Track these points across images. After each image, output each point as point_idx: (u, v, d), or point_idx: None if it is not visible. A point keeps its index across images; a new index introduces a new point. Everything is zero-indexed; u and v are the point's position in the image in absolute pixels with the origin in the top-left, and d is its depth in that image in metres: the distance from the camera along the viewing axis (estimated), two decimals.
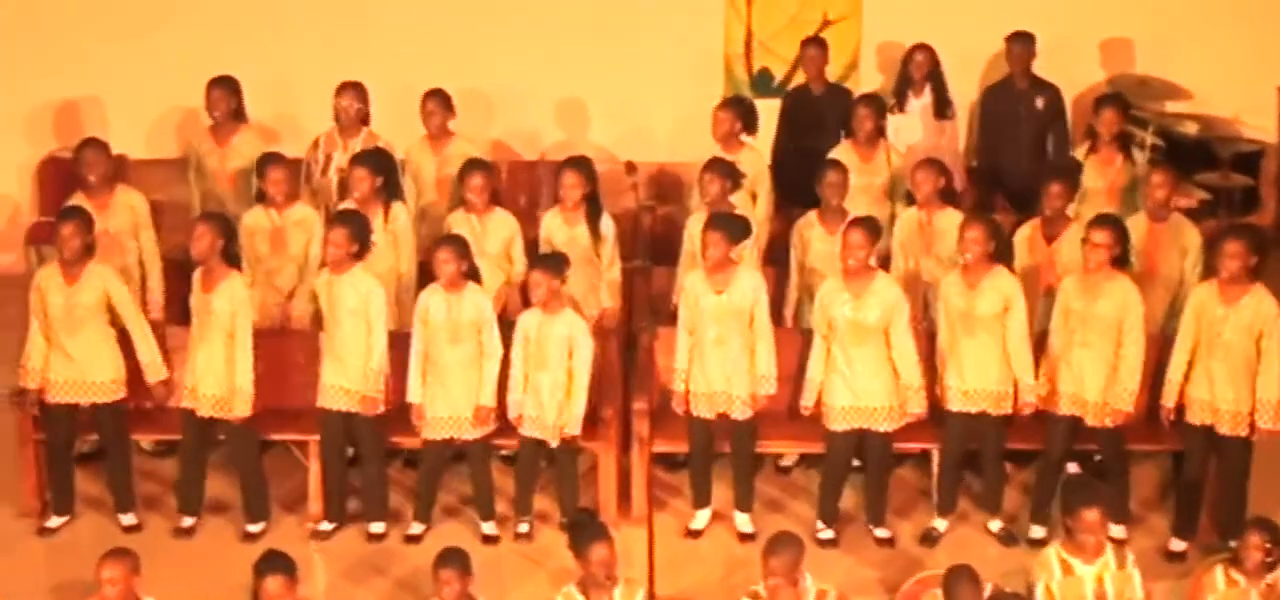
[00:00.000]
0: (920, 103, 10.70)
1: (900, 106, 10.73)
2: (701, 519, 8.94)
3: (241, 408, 8.53)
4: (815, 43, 10.91)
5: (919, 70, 10.69)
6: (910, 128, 10.62)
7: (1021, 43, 10.70)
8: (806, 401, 8.65)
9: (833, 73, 11.36)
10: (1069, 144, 10.67)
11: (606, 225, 9.41)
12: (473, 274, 8.60)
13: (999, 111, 10.82)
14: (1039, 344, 8.66)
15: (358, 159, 9.30)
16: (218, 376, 8.55)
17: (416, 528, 8.83)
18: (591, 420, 8.76)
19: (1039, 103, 10.72)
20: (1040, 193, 9.11)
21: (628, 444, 8.90)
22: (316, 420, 8.74)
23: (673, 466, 9.32)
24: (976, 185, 10.64)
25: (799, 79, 11.34)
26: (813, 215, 9.33)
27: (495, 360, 8.59)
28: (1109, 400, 8.46)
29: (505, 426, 8.71)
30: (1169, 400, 8.50)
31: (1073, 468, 8.98)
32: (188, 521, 8.85)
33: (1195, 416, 8.47)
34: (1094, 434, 8.63)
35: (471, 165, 9.35)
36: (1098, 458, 8.84)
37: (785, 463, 9.45)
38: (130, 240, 9.30)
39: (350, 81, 9.92)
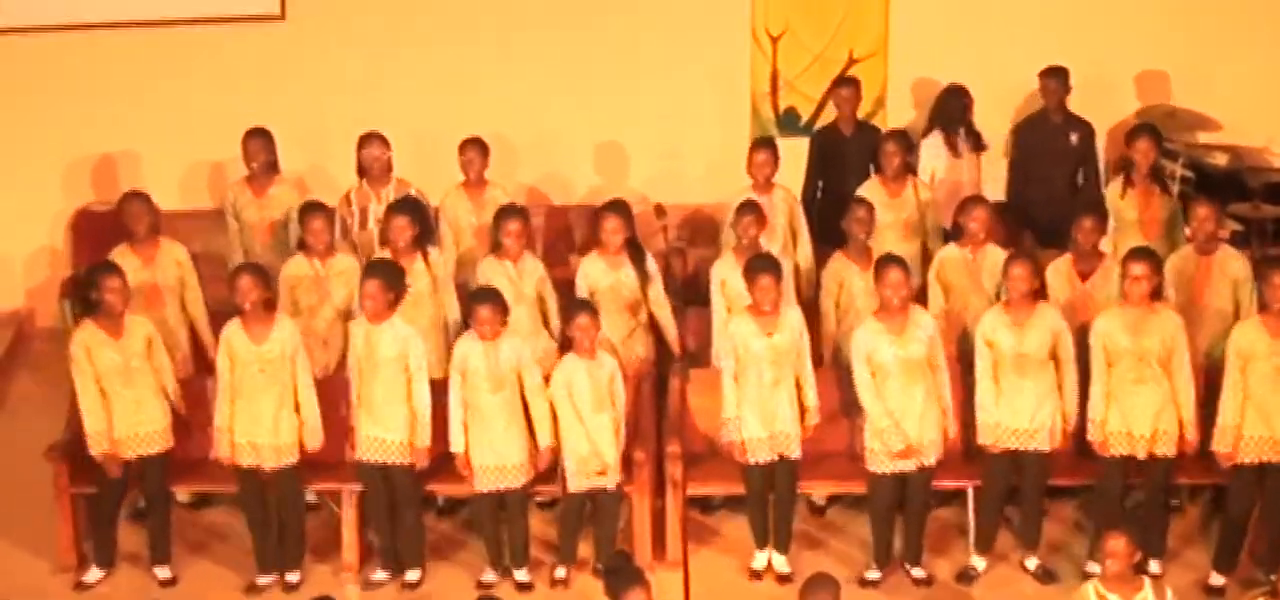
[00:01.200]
0: (959, 139, 10.78)
1: (954, 148, 10.72)
2: (762, 559, 8.90)
3: (313, 441, 8.60)
4: (848, 83, 10.93)
5: (970, 111, 10.73)
6: (958, 167, 10.68)
7: (1056, 78, 10.72)
8: (896, 445, 8.53)
9: (860, 111, 11.40)
10: (1101, 180, 10.68)
11: (651, 265, 9.43)
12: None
13: (1033, 146, 10.83)
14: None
15: (396, 207, 9.32)
16: (278, 425, 8.56)
17: (489, 575, 8.82)
18: (625, 464, 8.77)
19: (1073, 138, 10.74)
20: (1071, 228, 9.11)
21: (661, 487, 8.88)
22: (356, 473, 8.73)
23: (707, 509, 9.30)
24: (1006, 221, 10.64)
25: (826, 118, 11.36)
26: (842, 255, 9.32)
27: (544, 400, 8.61)
28: (1169, 430, 8.43)
29: (547, 473, 8.71)
30: (1226, 446, 8.44)
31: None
32: (263, 579, 8.83)
33: (1249, 454, 8.43)
34: (1142, 468, 8.60)
35: (507, 211, 9.37)
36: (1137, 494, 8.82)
37: (818, 502, 9.42)
38: (174, 293, 9.32)
39: (373, 132, 9.95)
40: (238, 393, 8.58)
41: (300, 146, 10.93)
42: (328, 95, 11.48)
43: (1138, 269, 8.39)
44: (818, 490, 9.22)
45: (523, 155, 11.59)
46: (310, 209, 9.33)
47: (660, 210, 10.93)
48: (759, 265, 8.63)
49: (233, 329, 8.60)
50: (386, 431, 8.57)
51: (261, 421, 8.56)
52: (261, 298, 8.55)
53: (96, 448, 8.62)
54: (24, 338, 11.50)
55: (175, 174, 11.56)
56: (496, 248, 9.31)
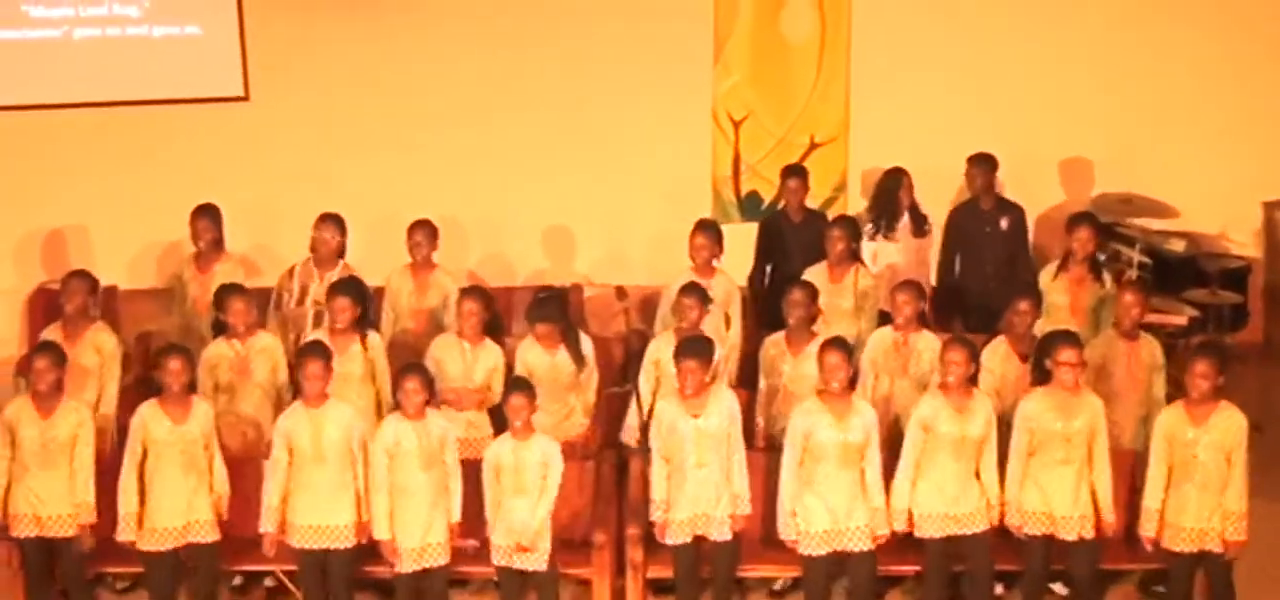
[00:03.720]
0: (900, 223, 10.78)
1: (889, 231, 10.76)
2: None
3: (217, 520, 8.56)
4: (796, 173, 10.89)
5: (906, 195, 10.77)
6: (892, 251, 10.68)
7: (982, 165, 10.74)
8: (789, 533, 8.55)
9: (820, 195, 11.48)
10: (1032, 265, 10.69)
11: (587, 345, 9.43)
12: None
13: (963, 231, 10.83)
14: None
15: (339, 288, 9.29)
16: (193, 504, 8.51)
17: None
18: (583, 546, 8.72)
19: (1003, 223, 10.75)
20: (1004, 311, 9.12)
21: (622, 569, 8.84)
22: (294, 558, 8.65)
23: (663, 591, 9.23)
24: (937, 306, 10.61)
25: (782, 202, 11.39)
26: (779, 336, 9.33)
27: (459, 478, 8.59)
28: (1099, 514, 8.45)
29: (481, 553, 8.65)
30: (1150, 529, 8.44)
31: (1059, 589, 8.92)
32: None
33: (1179, 543, 8.41)
34: (1068, 553, 8.57)
35: (468, 292, 9.39)
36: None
37: (778, 587, 9.34)
38: (93, 378, 9.30)
39: (331, 214, 9.96)
40: (152, 476, 8.52)
41: (257, 225, 10.98)
42: (286, 175, 11.56)
43: (1067, 354, 8.40)
44: (774, 574, 9.14)
45: (473, 238, 11.63)
46: (228, 290, 9.31)
47: (621, 292, 10.89)
48: (685, 349, 8.63)
49: (150, 411, 8.55)
50: (332, 518, 8.51)
51: (177, 503, 8.51)
52: (186, 380, 8.55)
53: None
54: None
55: (127, 252, 11.61)
56: (457, 328, 9.31)
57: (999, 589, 8.96)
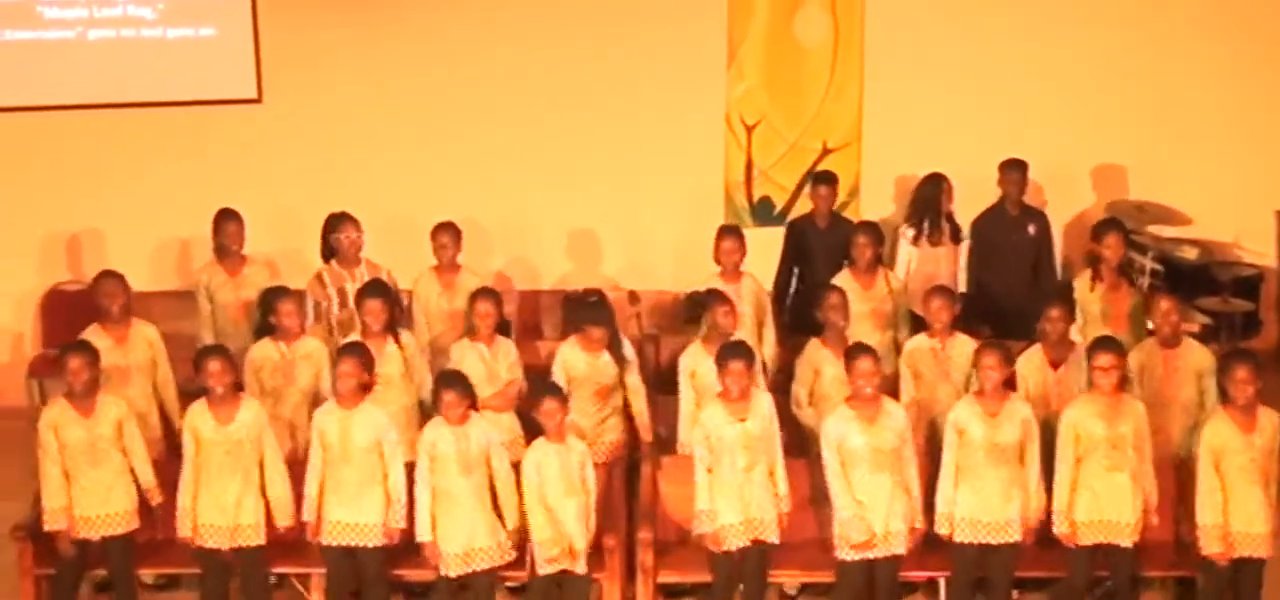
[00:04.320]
0: (942, 229, 10.86)
1: (933, 238, 10.80)
2: None
3: (283, 519, 8.59)
4: (826, 180, 10.94)
5: (949, 200, 10.82)
6: (934, 256, 10.74)
7: (1016, 170, 10.80)
8: (858, 536, 8.51)
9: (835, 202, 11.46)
10: (1055, 271, 10.77)
11: (629, 351, 9.45)
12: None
13: (990, 238, 10.87)
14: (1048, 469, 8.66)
15: (369, 291, 9.29)
16: (241, 507, 8.52)
17: None
18: (595, 550, 8.72)
19: (1030, 230, 10.82)
20: (1036, 318, 9.16)
21: (632, 574, 8.85)
22: (322, 557, 8.67)
23: (677, 596, 9.24)
24: (965, 313, 10.65)
25: (800, 208, 11.41)
26: (817, 342, 9.34)
27: (511, 484, 8.58)
28: (1140, 520, 8.48)
29: (518, 558, 8.65)
30: (1217, 546, 8.39)
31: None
32: None
33: (1248, 549, 8.42)
34: (1109, 558, 8.60)
35: (480, 293, 9.39)
36: (1108, 583, 8.79)
37: (790, 591, 9.36)
38: (145, 373, 9.28)
39: (346, 214, 9.98)
40: (202, 474, 8.53)
41: (273, 228, 10.95)
42: (301, 178, 11.53)
43: (1104, 359, 8.44)
44: (787, 579, 9.16)
45: (495, 240, 11.62)
46: (278, 293, 9.31)
47: (634, 297, 10.93)
48: (730, 351, 8.64)
49: (198, 411, 8.57)
50: (359, 516, 8.52)
51: (225, 504, 8.52)
52: (230, 380, 8.53)
53: (52, 524, 8.56)
54: None
55: (144, 254, 11.55)
56: (471, 331, 9.31)
57: (1015, 595, 8.96)
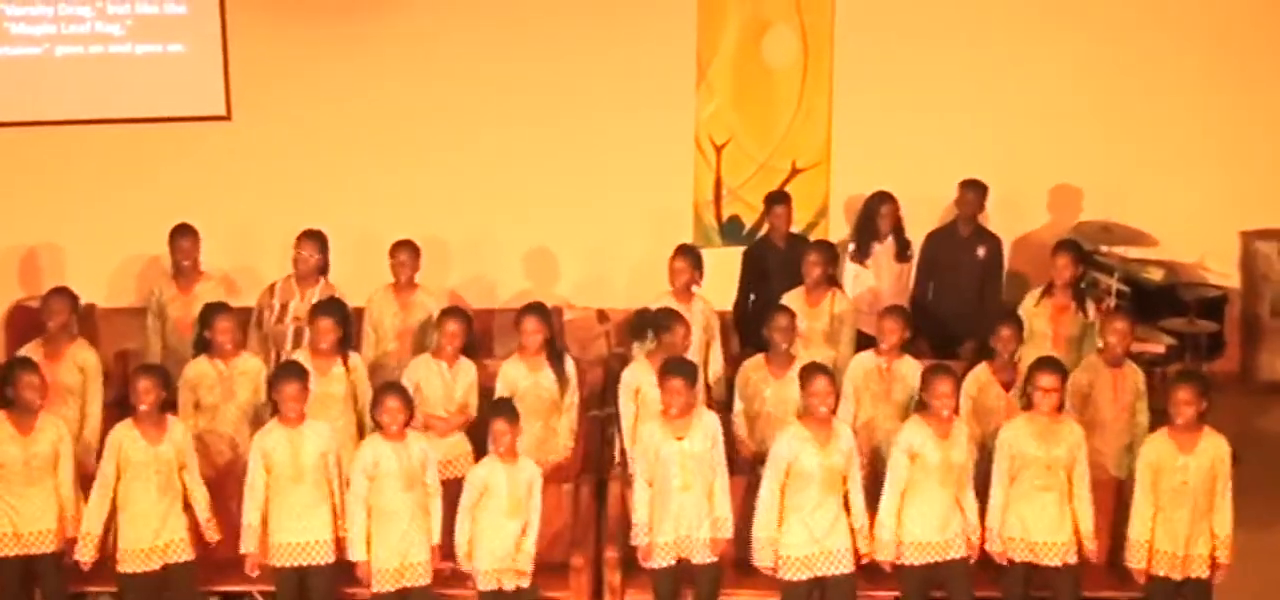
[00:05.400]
0: (882, 247, 10.83)
1: (863, 256, 10.82)
2: None
3: (212, 535, 8.56)
4: (780, 200, 10.96)
5: (887, 222, 10.83)
6: (868, 276, 10.75)
7: (973, 190, 10.81)
8: (764, 560, 8.54)
9: (803, 220, 11.49)
10: (1000, 295, 10.77)
11: (570, 368, 9.43)
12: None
13: (939, 256, 10.87)
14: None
15: (321, 309, 9.29)
16: (167, 524, 8.47)
17: None
18: (562, 569, 8.70)
19: (980, 252, 10.81)
20: (984, 338, 9.16)
21: (599, 592, 8.83)
22: (270, 577, 8.62)
23: None
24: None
25: (766, 228, 11.40)
26: (759, 359, 9.34)
27: (439, 499, 8.57)
28: (1068, 540, 8.46)
29: (461, 574, 8.62)
30: (1139, 561, 8.44)
31: None
32: None
33: (1162, 568, 8.43)
34: (1050, 579, 8.58)
35: (450, 313, 9.39)
36: None
37: None
38: (75, 396, 9.25)
39: (311, 230, 9.95)
40: (125, 496, 8.47)
41: (234, 244, 10.95)
42: (266, 195, 11.56)
43: (1046, 380, 8.43)
44: (742, 598, 9.11)
45: (455, 258, 11.63)
46: (215, 309, 9.27)
47: (602, 316, 10.95)
48: (671, 368, 8.62)
49: (124, 431, 8.49)
50: (309, 535, 8.51)
51: (149, 525, 8.46)
52: (159, 399, 8.49)
53: None
54: None
55: (103, 271, 11.60)
56: (435, 348, 9.31)
57: None
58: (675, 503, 8.57)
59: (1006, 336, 9.10)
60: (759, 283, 10.76)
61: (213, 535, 8.62)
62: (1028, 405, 8.57)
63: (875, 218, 10.87)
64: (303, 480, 8.47)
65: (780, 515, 8.51)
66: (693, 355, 9.37)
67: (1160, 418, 8.63)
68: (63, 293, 9.40)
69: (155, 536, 8.49)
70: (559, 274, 11.88)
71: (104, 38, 11.62)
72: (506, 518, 8.50)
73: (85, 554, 8.49)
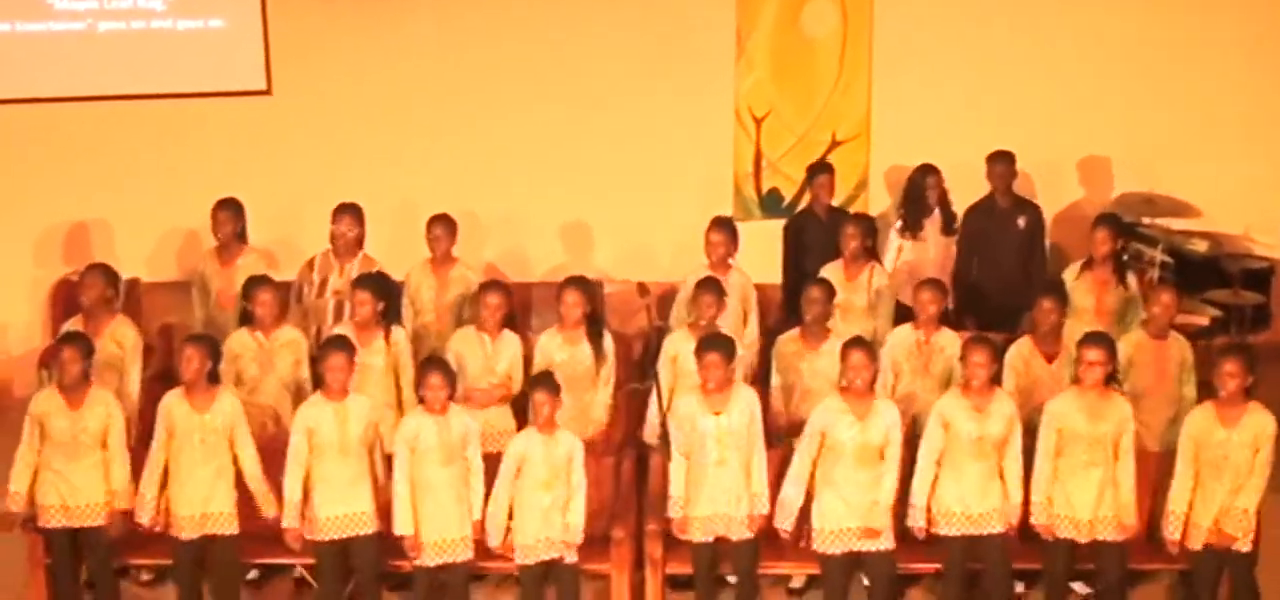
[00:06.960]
0: (930, 221, 10.81)
1: (915, 230, 10.77)
2: None
3: (268, 509, 8.58)
4: (825, 169, 10.93)
5: (934, 193, 10.77)
6: (919, 249, 10.69)
7: (1002, 162, 10.70)
8: (784, 523, 8.56)
9: (842, 192, 11.43)
10: (1046, 264, 10.69)
11: (608, 343, 9.42)
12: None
13: (980, 230, 10.78)
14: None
15: (361, 282, 9.32)
16: (213, 495, 8.53)
17: None
18: (603, 542, 8.71)
19: (1021, 222, 10.72)
20: (1025, 311, 9.12)
21: (641, 564, 8.84)
22: (313, 552, 8.65)
23: (681, 587, 9.19)
24: (954, 304, 10.56)
25: (808, 200, 11.37)
26: (794, 333, 9.32)
27: (481, 476, 8.58)
28: (1119, 516, 8.43)
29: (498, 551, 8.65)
30: (1175, 532, 8.42)
31: (1080, 589, 8.90)
32: None
33: (1199, 541, 8.40)
34: (1095, 553, 8.54)
35: (491, 286, 9.40)
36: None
37: (795, 585, 9.32)
38: (114, 370, 9.26)
39: (347, 204, 9.98)
40: (175, 464, 8.55)
41: (275, 219, 11.00)
42: (306, 169, 11.60)
43: (1093, 354, 8.38)
44: (785, 571, 9.13)
45: (492, 232, 11.64)
46: (256, 282, 9.32)
47: (644, 289, 10.89)
48: (708, 343, 8.60)
49: (173, 399, 8.58)
50: (356, 506, 8.52)
51: (197, 493, 8.53)
52: (205, 369, 8.54)
53: (14, 506, 8.60)
54: (1, 408, 11.51)
55: (148, 245, 11.66)
56: (476, 321, 9.32)
57: (1019, 587, 8.93)
58: (711, 478, 8.56)
59: (1048, 308, 9.03)
60: (802, 256, 10.71)
61: (269, 509, 8.64)
62: (1076, 380, 8.52)
63: (923, 190, 10.81)
64: (349, 454, 8.48)
65: (811, 487, 8.51)
66: (731, 328, 9.35)
67: (1207, 391, 8.58)
68: (97, 268, 9.44)
69: (197, 505, 8.55)
70: (595, 247, 11.87)
71: (146, 13, 11.67)
72: (543, 490, 8.51)
73: (144, 515, 8.56)
